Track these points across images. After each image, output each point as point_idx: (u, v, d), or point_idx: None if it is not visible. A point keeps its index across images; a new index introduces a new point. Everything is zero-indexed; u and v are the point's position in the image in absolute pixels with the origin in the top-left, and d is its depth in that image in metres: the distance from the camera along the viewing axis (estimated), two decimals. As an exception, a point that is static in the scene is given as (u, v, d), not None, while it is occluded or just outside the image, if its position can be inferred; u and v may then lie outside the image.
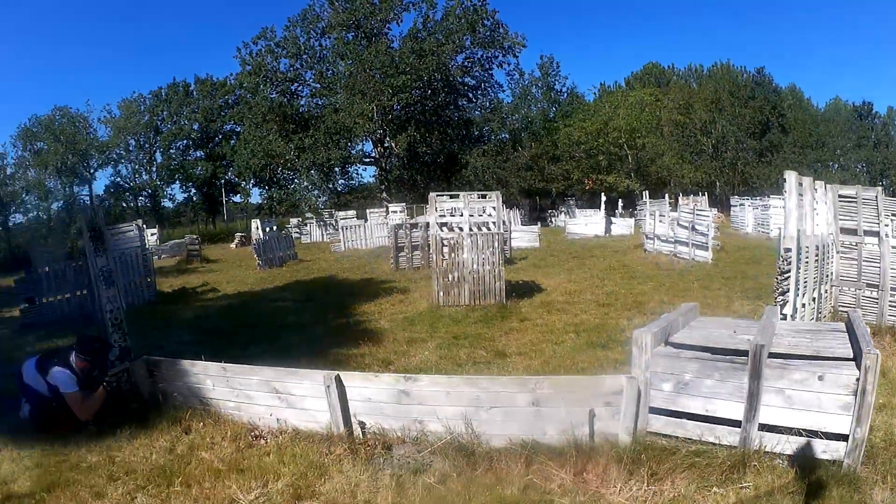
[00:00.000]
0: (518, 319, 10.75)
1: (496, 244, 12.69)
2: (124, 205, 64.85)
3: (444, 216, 12.92)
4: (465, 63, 51.31)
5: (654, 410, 4.91)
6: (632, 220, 35.09)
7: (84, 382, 6.53)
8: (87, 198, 64.49)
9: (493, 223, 12.97)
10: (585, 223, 33.50)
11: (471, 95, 53.63)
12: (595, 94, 64.32)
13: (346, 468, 5.04)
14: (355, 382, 5.53)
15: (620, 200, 41.94)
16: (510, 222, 29.58)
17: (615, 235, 32.47)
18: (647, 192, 30.09)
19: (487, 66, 52.47)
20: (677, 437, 4.85)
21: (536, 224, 34.31)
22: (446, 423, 5.14)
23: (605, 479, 4.42)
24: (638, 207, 32.63)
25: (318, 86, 52.19)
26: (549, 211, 50.05)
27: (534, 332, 9.70)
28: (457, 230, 12.71)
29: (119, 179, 65.35)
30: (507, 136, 54.61)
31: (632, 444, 4.77)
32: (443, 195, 13.51)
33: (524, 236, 27.76)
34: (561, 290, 13.22)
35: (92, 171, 64.62)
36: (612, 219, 35.20)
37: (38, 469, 5.61)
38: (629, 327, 8.54)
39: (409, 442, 5.28)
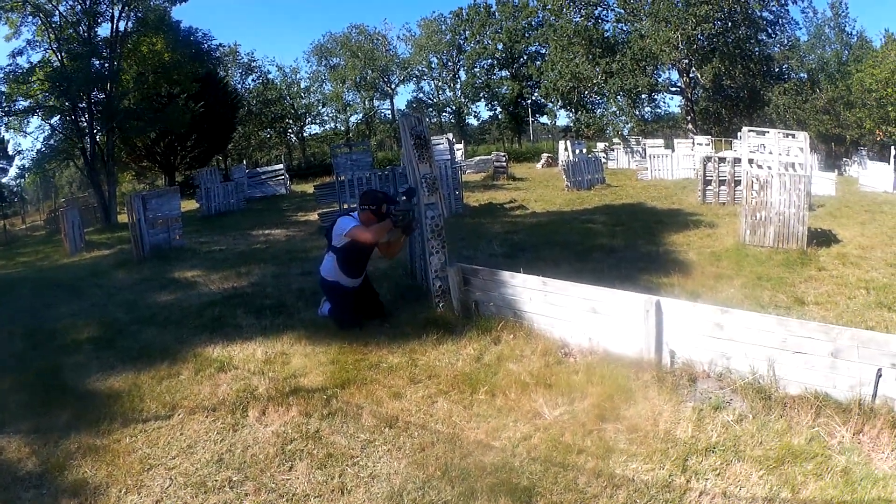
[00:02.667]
0: (816, 268, 10.14)
1: (803, 187, 11.92)
2: (427, 120, 67.41)
3: (753, 152, 12.23)
4: (763, -5, 47.72)
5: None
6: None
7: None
8: (389, 112, 69.10)
9: (800, 165, 12.10)
10: (877, 176, 29.77)
11: (769, 31, 49.84)
12: (882, 40, 56.16)
13: (651, 395, 4.93)
14: (673, 309, 5.33)
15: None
16: (810, 167, 27.14)
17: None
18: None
19: (783, 1, 48.58)
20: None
21: (833, 171, 31.44)
22: (751, 363, 4.93)
23: (877, 444, 4.16)
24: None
25: (622, 11, 50.77)
26: (844, 159, 45.48)
27: (829, 284, 9.10)
28: (766, 168, 11.95)
29: (422, 95, 69.18)
30: (806, 75, 50.32)
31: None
32: (752, 130, 12.81)
33: (821, 183, 25.46)
34: (854, 243, 12.19)
35: (393, 86, 68.82)
36: (902, 175, 30.63)
37: (333, 366, 5.96)
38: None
39: (712, 377, 5.12)
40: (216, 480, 4.16)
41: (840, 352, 4.54)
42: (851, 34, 50.85)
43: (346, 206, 15.72)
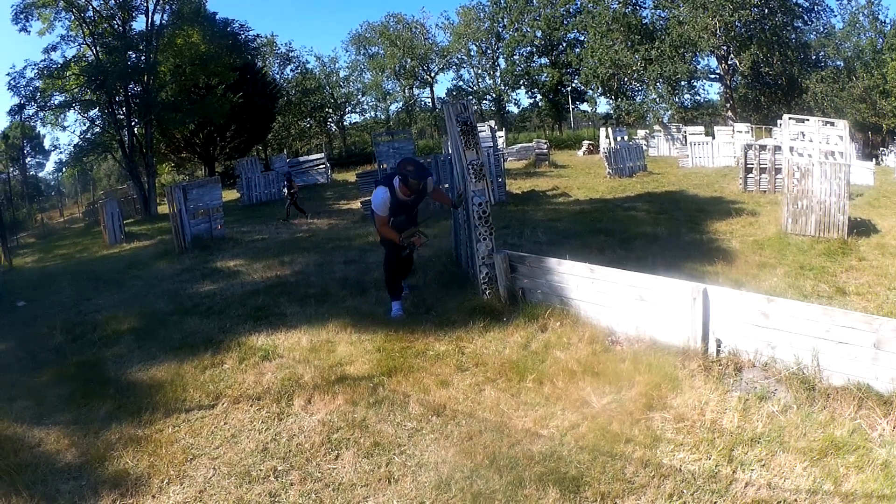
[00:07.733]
0: (857, 258, 9.99)
1: (843, 175, 11.72)
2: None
3: (794, 140, 12.03)
4: (799, -18, 46.65)
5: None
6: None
7: (396, 209, 6.95)
8: (429, 100, 68.68)
9: (841, 153, 11.87)
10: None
11: (805, 18, 49.06)
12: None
13: (697, 384, 4.91)
14: (720, 297, 5.29)
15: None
16: (850, 155, 26.53)
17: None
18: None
19: (819, -12, 47.26)
20: None
21: (871, 161, 30.35)
22: (795, 353, 4.88)
23: (915, 436, 4.08)
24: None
25: (660, -3, 50.13)
26: (881, 149, 44.44)
27: (870, 274, 8.96)
28: (806, 156, 11.77)
29: (461, 83, 68.38)
30: (842, 63, 49.30)
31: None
32: (793, 118, 12.60)
33: (859, 172, 24.68)
34: (893, 233, 11.93)
35: (432, 74, 68.35)
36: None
37: (380, 353, 5.96)
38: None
39: (758, 366, 5.07)
40: (261, 470, 4.18)
41: (882, 343, 4.48)
42: (885, 22, 49.87)
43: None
